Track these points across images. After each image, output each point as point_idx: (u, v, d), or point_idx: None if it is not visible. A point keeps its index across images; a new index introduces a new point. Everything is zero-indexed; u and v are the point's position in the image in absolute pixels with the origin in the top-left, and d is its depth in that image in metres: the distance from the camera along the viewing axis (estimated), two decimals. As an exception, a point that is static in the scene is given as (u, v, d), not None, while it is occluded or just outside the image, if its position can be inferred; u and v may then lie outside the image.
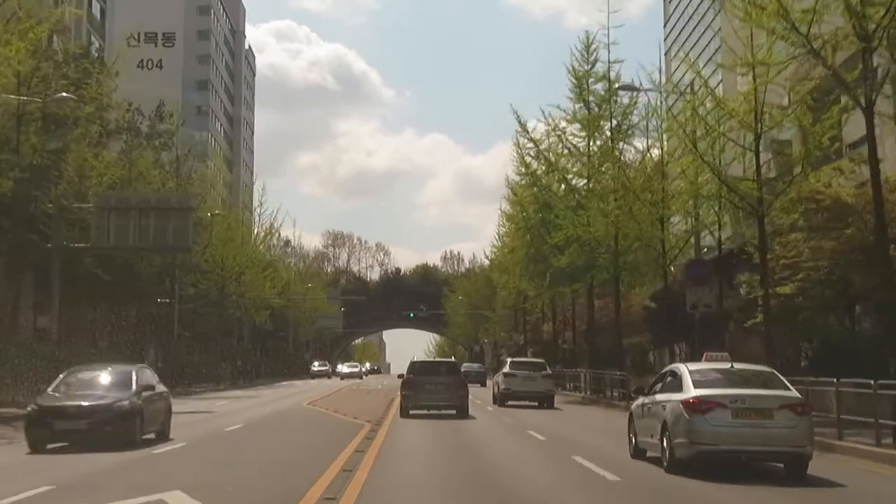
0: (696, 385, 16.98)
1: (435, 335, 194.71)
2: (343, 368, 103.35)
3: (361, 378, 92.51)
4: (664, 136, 40.33)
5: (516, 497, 14.67)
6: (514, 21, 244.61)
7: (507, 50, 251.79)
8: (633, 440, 19.58)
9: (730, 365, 18.05)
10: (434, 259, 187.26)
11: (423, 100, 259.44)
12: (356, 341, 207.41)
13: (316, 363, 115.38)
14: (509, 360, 47.76)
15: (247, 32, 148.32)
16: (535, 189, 53.71)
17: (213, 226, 66.93)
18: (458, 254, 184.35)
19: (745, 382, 17.36)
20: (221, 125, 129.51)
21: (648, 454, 18.67)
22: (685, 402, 16.63)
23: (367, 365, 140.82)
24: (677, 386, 17.49)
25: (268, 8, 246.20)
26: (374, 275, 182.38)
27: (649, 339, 56.14)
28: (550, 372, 44.31)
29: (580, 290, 52.97)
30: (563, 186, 53.11)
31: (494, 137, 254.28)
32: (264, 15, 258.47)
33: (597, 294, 56.62)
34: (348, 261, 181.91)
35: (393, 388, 62.52)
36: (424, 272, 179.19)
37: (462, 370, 39.55)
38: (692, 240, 42.26)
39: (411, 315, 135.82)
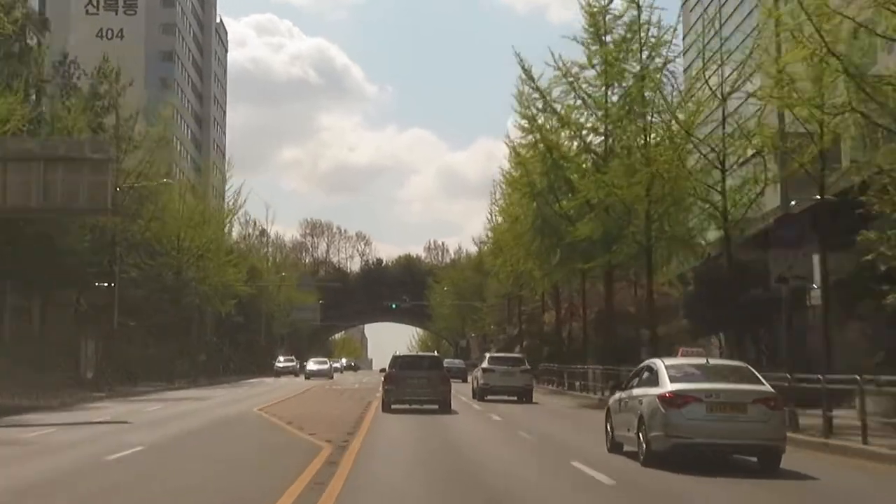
0: (672, 380, 17.06)
1: (418, 329, 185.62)
2: (310, 365, 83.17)
3: (331, 377, 78.55)
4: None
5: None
6: (496, 16, 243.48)
7: (490, 45, 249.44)
8: (611, 434, 19.58)
9: (705, 360, 18.54)
10: (417, 251, 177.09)
11: (406, 95, 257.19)
12: (336, 336, 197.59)
13: (281, 358, 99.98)
14: (488, 355, 47.20)
15: (224, 20, 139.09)
16: (541, 148, 43.88)
17: (162, 196, 56.86)
18: (443, 244, 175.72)
19: (720, 377, 17.46)
20: (189, 102, 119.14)
21: (625, 448, 18.58)
22: (661, 397, 16.72)
23: (343, 360, 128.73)
24: (654, 381, 17.52)
25: (248, 1, 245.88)
26: (355, 265, 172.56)
27: (686, 329, 46.55)
28: (529, 367, 43.85)
29: (597, 268, 43.03)
30: (575, 144, 43.56)
31: (477, 133, 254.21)
32: (245, 8, 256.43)
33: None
34: (327, 251, 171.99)
35: (371, 389, 53.18)
36: (407, 263, 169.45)
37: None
38: (764, 194, 32.34)
39: (393, 306, 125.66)
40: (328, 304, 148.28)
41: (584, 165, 42.89)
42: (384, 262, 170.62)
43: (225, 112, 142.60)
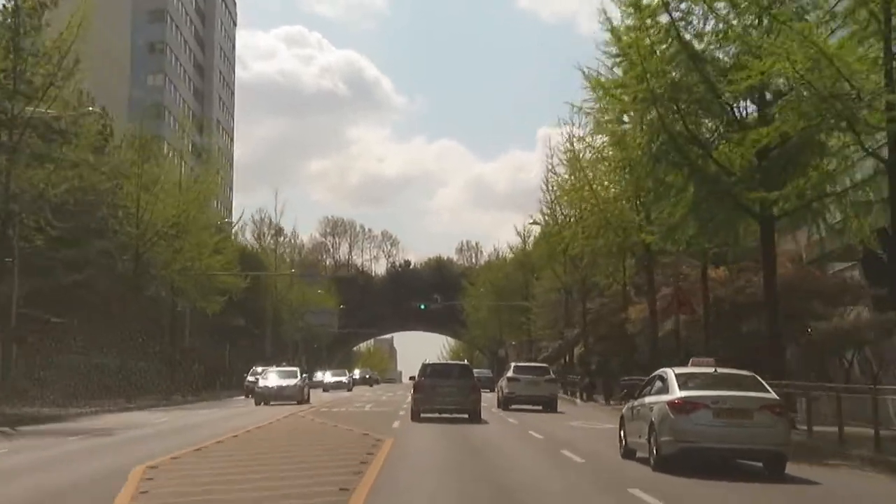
0: (682, 387, 17.35)
1: (449, 340, 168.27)
2: (267, 379, 49.53)
3: (303, 402, 47.05)
4: None
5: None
6: (524, 26, 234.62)
7: (519, 56, 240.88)
8: (624, 441, 19.82)
9: (714, 369, 18.52)
10: (448, 252, 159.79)
11: (434, 106, 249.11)
12: (360, 346, 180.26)
13: (259, 370, 58.87)
14: (513, 364, 46.25)
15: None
16: (662, 23, 25.98)
17: (82, 139, 39.15)
18: (476, 244, 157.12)
19: (728, 385, 17.61)
20: (185, 71, 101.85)
21: (638, 454, 18.77)
22: (670, 403, 17.04)
23: (357, 372, 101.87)
24: (664, 389, 17.83)
25: (278, 13, 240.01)
26: (380, 268, 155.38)
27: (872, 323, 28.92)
28: (554, 376, 43.78)
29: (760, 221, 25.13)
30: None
31: (506, 144, 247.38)
32: (274, 20, 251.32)
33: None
34: (350, 252, 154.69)
35: (389, 413, 35.83)
36: (438, 265, 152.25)
37: None
38: None
39: (422, 307, 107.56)
40: (350, 310, 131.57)
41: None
42: (412, 264, 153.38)
43: (233, 92, 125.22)
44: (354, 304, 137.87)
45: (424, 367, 33.49)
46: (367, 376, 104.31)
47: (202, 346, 77.96)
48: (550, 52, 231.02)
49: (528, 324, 79.12)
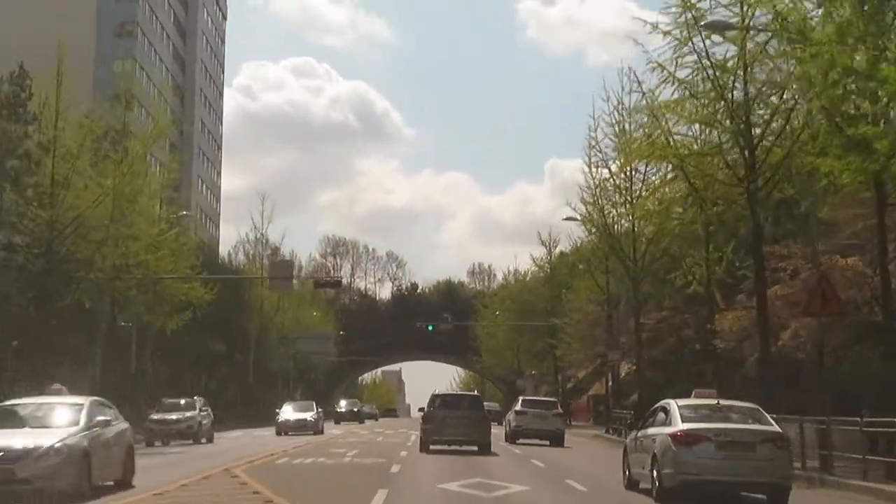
0: (684, 420, 17.17)
1: (459, 370, 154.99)
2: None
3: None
4: None
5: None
6: (532, 58, 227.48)
7: (526, 88, 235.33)
8: (628, 472, 19.71)
9: (716, 401, 18.36)
10: (459, 275, 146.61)
11: (442, 137, 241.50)
12: (365, 376, 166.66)
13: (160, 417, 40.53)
14: (521, 398, 45.02)
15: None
16: None
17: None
18: (489, 267, 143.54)
19: (731, 417, 17.60)
20: (162, 60, 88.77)
21: (641, 485, 18.70)
22: (673, 435, 16.88)
23: (342, 404, 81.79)
24: (667, 420, 17.69)
25: (285, 45, 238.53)
26: (385, 292, 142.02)
27: None
28: (561, 410, 43.52)
29: None
30: None
31: (514, 177, 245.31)
32: (282, 52, 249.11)
33: None
34: (352, 274, 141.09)
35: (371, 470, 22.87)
36: (448, 289, 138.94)
37: None
38: None
39: (430, 328, 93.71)
40: (352, 337, 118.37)
41: None
42: (420, 287, 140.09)
43: (221, 90, 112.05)
44: (357, 330, 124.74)
45: (434, 397, 33.03)
46: (356, 409, 79.04)
47: (167, 375, 64.80)
48: (558, 84, 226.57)
49: (557, 346, 65.54)
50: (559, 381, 72.71)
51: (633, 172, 44.26)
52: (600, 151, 45.13)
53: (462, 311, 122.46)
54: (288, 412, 50.06)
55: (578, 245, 52.95)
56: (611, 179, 44.94)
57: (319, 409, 51.58)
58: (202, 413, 40.94)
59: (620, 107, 43.99)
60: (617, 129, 44.46)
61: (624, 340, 49.32)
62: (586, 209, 45.48)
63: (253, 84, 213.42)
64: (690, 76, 28.11)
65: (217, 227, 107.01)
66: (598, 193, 45.00)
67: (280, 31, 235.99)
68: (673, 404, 18.01)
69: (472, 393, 38.82)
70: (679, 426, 16.94)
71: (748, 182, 27.45)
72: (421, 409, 34.77)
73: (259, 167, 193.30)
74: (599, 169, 45.05)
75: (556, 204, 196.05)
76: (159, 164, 50.61)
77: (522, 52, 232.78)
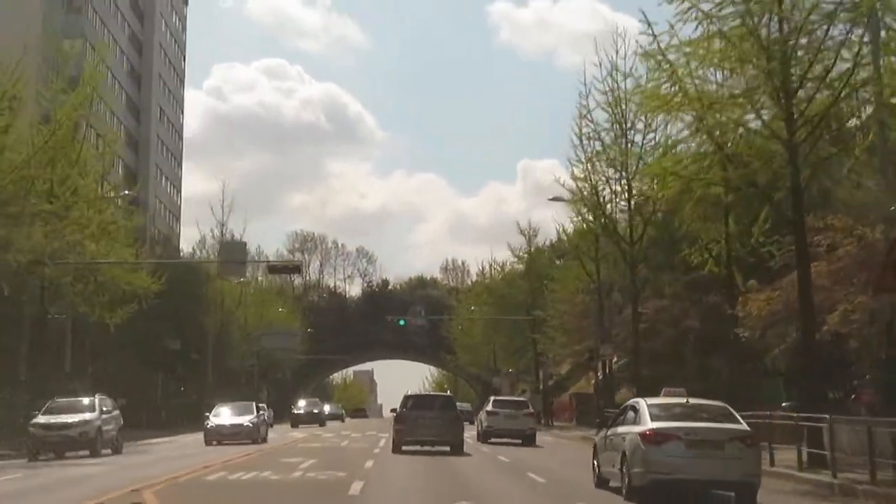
0: (654, 418, 17.10)
1: (432, 369, 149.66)
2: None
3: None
4: None
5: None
6: (504, 60, 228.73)
7: (498, 89, 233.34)
8: (598, 471, 19.63)
9: (685, 400, 18.44)
10: (432, 272, 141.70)
11: (414, 139, 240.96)
12: (335, 376, 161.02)
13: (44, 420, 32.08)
14: (492, 398, 44.78)
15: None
16: None
17: None
18: (463, 264, 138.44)
19: (700, 416, 17.54)
20: (115, 39, 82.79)
21: (611, 483, 18.62)
22: (642, 434, 16.79)
23: (301, 404, 71.56)
24: (636, 419, 17.58)
25: (257, 47, 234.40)
26: (355, 289, 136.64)
27: None
28: (532, 410, 42.60)
29: None
30: None
31: (486, 178, 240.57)
32: (255, 53, 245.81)
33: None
34: (321, 270, 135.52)
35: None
36: (420, 285, 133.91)
37: None
38: None
39: (402, 322, 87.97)
40: (321, 335, 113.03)
41: None
42: (391, 284, 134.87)
43: (181, 76, 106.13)
44: (326, 328, 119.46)
45: (406, 398, 32.87)
46: (316, 410, 67.92)
47: (113, 374, 59.28)
48: (530, 85, 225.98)
49: (540, 341, 60.40)
50: (540, 378, 67.54)
51: (630, 144, 39.47)
52: (592, 122, 40.20)
53: (435, 307, 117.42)
54: (222, 415, 40.47)
55: (565, 230, 47.85)
56: (604, 153, 40.01)
57: (263, 412, 42.34)
58: (105, 416, 32.45)
59: (616, 73, 39.28)
60: (611, 97, 39.72)
61: (616, 332, 44.22)
62: (577, 186, 40.35)
63: (223, 86, 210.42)
64: (715, 9, 23.10)
65: (177, 219, 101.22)
66: (589, 168, 39.96)
67: (252, 33, 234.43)
68: (642, 403, 18.11)
69: (444, 394, 39.48)
70: (648, 425, 16.90)
71: (788, 135, 22.40)
72: (393, 410, 35.14)
73: (230, 169, 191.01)
74: (592, 141, 40.09)
75: (530, 204, 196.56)
76: (99, 137, 44.88)
77: (495, 54, 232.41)
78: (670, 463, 16.41)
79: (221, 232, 79.01)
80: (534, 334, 61.86)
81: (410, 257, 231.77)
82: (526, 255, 68.96)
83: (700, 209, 25.97)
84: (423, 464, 26.09)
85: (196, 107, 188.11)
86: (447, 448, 30.44)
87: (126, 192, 46.17)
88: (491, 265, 76.65)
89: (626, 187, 39.66)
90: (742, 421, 17.47)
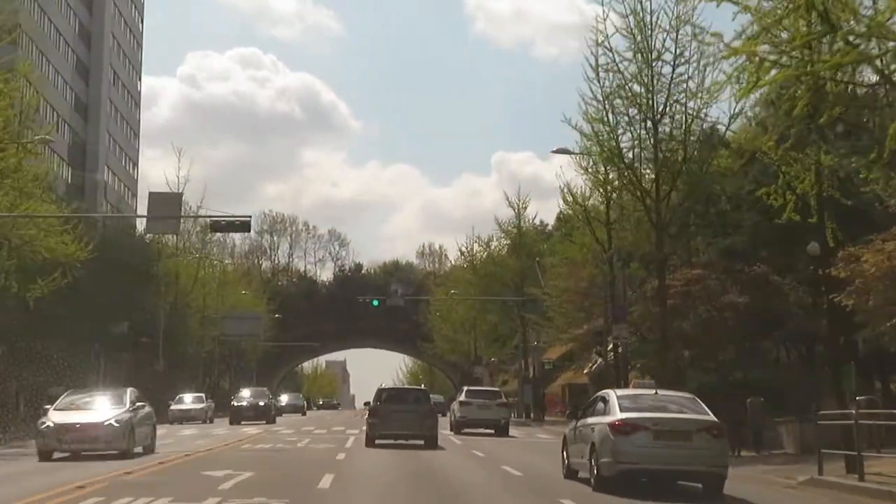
0: (622, 409, 17.07)
1: (407, 359, 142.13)
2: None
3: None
4: None
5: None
6: (480, 51, 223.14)
7: (474, 80, 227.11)
8: (567, 462, 19.67)
9: (655, 391, 18.97)
10: (408, 256, 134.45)
11: (389, 129, 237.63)
12: (306, 365, 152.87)
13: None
14: (465, 388, 44.95)
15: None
16: None
17: None
18: (440, 248, 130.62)
19: (668, 407, 17.52)
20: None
21: (580, 475, 18.62)
22: (611, 425, 16.77)
23: (245, 393, 53.44)
24: (605, 410, 17.57)
25: (231, 35, 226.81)
26: (327, 273, 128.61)
27: None
28: (506, 400, 42.80)
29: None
30: None
31: (461, 169, 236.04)
32: (228, 42, 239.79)
33: None
34: (290, 253, 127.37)
35: None
36: (395, 270, 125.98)
37: None
38: None
39: (375, 303, 79.45)
40: (290, 321, 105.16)
41: None
42: (365, 268, 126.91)
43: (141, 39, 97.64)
44: (295, 313, 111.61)
45: (380, 391, 31.71)
46: (263, 403, 50.42)
47: (43, 357, 51.19)
48: (506, 77, 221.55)
49: (535, 325, 52.70)
50: (531, 366, 59.93)
51: (656, 79, 31.79)
52: (610, 50, 32.40)
53: (412, 293, 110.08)
54: (60, 413, 24.85)
55: (570, 190, 39.98)
56: (625, 89, 32.28)
57: (138, 405, 25.91)
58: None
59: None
60: (632, 20, 32.00)
61: (633, 310, 36.48)
62: (592, 129, 32.47)
63: (198, 73, 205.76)
64: None
65: (134, 196, 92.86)
66: (606, 107, 32.17)
67: (226, 19, 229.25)
68: (612, 394, 18.13)
69: (418, 387, 38.69)
70: (617, 415, 16.84)
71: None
72: (366, 403, 35.38)
73: (204, 158, 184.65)
74: (610, 74, 32.30)
75: (503, 195, 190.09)
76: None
77: (471, 45, 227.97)
78: (638, 453, 16.38)
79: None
80: (527, 315, 54.06)
81: (384, 247, 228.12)
82: (515, 230, 61.18)
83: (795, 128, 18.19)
84: (396, 472, 20.19)
85: (170, 94, 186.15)
86: (421, 442, 29.47)
87: (46, 136, 37.82)
88: (476, 241, 68.06)
89: (652, 131, 31.98)
90: (709, 412, 17.42)
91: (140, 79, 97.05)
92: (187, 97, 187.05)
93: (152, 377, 64.25)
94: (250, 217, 32.34)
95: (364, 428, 31.05)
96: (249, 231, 32.45)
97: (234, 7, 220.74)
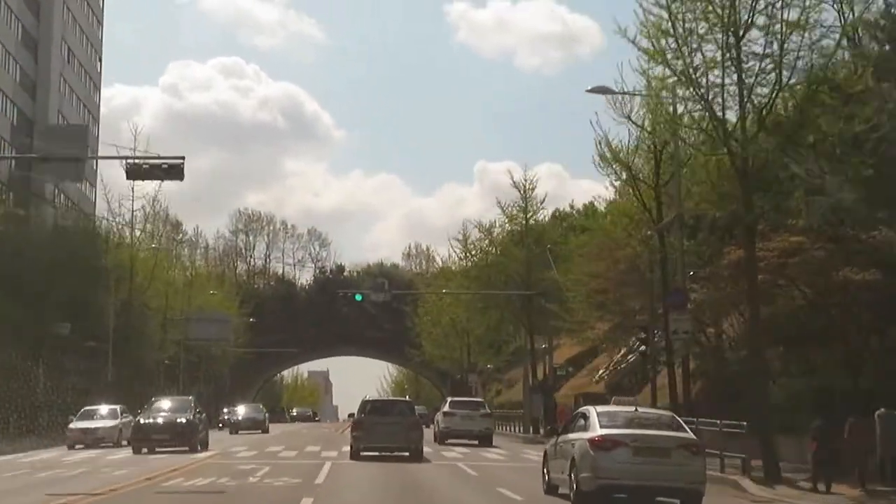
0: (603, 426, 17.25)
1: (391, 368, 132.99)
2: None
3: None
4: None
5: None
6: (462, 61, 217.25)
7: (456, 90, 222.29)
8: (547, 477, 19.61)
9: (635, 408, 19.28)
10: (394, 258, 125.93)
11: (372, 139, 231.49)
12: (285, 374, 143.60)
13: None
14: (449, 399, 44.83)
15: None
16: None
17: None
18: (427, 249, 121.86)
19: (648, 424, 17.68)
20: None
21: (560, 490, 18.58)
22: (591, 441, 16.93)
23: (156, 408, 35.98)
24: (586, 426, 17.74)
25: (212, 44, 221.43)
26: (307, 275, 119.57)
27: None
28: (489, 411, 42.88)
29: None
30: None
31: (444, 178, 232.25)
32: (210, 51, 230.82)
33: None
34: (268, 254, 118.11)
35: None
36: (380, 272, 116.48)
37: None
38: None
39: (359, 297, 69.46)
40: (266, 327, 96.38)
41: None
42: (347, 270, 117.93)
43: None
44: (272, 318, 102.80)
45: (364, 403, 31.73)
46: (184, 420, 34.28)
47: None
48: (488, 87, 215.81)
49: (557, 321, 43.88)
50: (541, 372, 51.09)
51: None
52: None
53: (397, 296, 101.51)
54: None
55: (607, 141, 30.88)
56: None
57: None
58: None
59: None
60: None
61: (694, 296, 27.67)
62: (652, 44, 23.59)
63: (180, 83, 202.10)
64: None
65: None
66: (673, 13, 23.40)
67: (208, 28, 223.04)
68: (592, 410, 18.20)
69: (403, 399, 40.33)
70: (597, 431, 16.99)
71: None
72: (351, 415, 36.87)
73: (186, 168, 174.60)
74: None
75: (486, 205, 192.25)
76: None
77: (453, 55, 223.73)
78: (618, 469, 16.46)
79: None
80: (547, 303, 45.12)
81: (368, 256, 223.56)
82: (521, 214, 52.33)
83: None
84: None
85: (151, 103, 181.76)
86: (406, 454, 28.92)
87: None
88: (478, 225, 58.10)
89: (734, 54, 23.29)
90: (688, 429, 17.70)
91: (99, 92, 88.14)
92: (169, 106, 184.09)
93: (105, 387, 55.24)
94: (183, 159, 23.36)
95: (345, 448, 30.03)
96: (182, 178, 23.43)
97: (215, 16, 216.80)
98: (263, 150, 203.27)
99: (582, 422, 18.04)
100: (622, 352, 46.05)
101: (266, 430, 53.79)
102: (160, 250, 61.02)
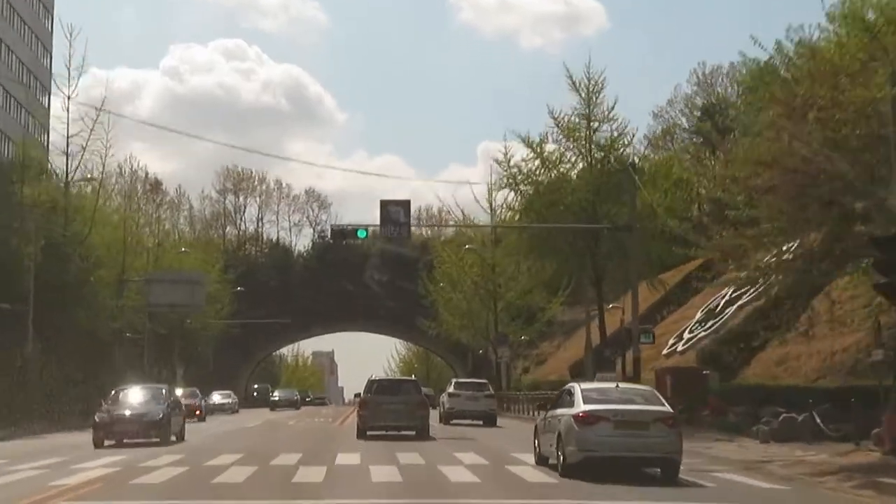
0: (586, 401, 18.11)
1: (399, 344, 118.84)
2: None
3: None
4: None
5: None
6: (466, 41, 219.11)
7: (459, 70, 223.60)
8: (538, 449, 20.50)
9: (616, 384, 20.36)
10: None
11: (375, 120, 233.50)
12: (284, 352, 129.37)
13: None
14: (453, 380, 47.23)
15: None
16: None
17: None
18: (439, 211, 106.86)
19: (628, 399, 18.47)
20: None
21: (549, 461, 19.36)
22: (575, 416, 17.82)
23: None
24: (571, 402, 18.54)
25: (214, 26, 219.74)
26: (304, 240, 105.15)
27: None
28: (493, 392, 43.33)
29: None
30: None
31: (447, 159, 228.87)
32: (212, 33, 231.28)
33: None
34: (260, 217, 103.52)
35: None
36: (387, 237, 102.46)
37: None
38: None
39: (362, 234, 50.86)
40: (258, 299, 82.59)
41: None
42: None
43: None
44: (266, 289, 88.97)
45: (370, 383, 31.96)
46: (129, 413, 27.00)
47: None
48: (491, 67, 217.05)
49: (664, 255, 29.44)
50: (634, 342, 36.18)
51: None
52: None
53: (407, 264, 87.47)
54: None
55: None
56: None
57: None
58: None
59: None
60: None
61: None
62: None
63: (181, 66, 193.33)
64: None
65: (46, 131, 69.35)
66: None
67: (209, 12, 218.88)
68: (577, 387, 19.06)
69: (409, 378, 37.11)
70: (581, 407, 17.85)
71: None
72: (357, 395, 37.03)
73: (189, 151, 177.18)
74: None
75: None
76: None
77: (456, 36, 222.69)
78: (600, 441, 17.35)
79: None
80: (682, 233, 30.35)
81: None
82: (584, 121, 37.65)
83: None
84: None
85: (153, 87, 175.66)
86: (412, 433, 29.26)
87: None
88: (533, 143, 41.83)
89: None
90: (666, 403, 18.53)
91: (49, 94, 73.96)
92: (171, 90, 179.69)
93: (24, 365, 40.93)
94: None
95: (342, 456, 24.44)
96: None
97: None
98: (266, 133, 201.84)
99: (568, 398, 18.84)
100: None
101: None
102: (101, 184, 46.43)
